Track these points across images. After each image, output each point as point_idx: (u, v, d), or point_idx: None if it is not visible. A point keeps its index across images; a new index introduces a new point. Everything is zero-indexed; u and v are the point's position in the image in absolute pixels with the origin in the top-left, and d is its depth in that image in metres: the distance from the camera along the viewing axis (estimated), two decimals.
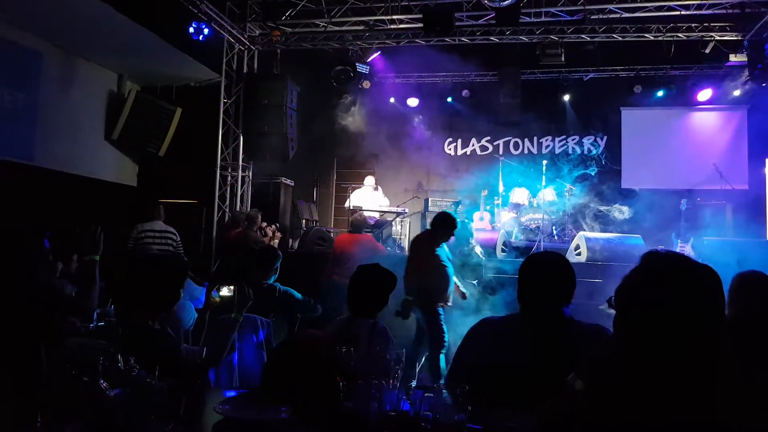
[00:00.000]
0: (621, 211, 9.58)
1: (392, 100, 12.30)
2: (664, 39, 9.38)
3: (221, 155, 9.78)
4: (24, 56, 8.00)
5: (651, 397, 1.34)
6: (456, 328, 5.27)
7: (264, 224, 8.22)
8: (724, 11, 8.58)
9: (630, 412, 1.35)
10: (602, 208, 9.97)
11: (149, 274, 2.47)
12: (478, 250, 7.38)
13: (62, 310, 2.94)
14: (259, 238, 7.90)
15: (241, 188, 10.10)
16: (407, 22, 9.44)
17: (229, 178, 9.97)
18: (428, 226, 10.13)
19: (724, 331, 1.39)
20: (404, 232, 10.34)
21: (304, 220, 10.58)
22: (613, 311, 1.47)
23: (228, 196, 9.89)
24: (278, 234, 8.46)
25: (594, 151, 11.79)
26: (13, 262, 2.88)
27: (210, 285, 5.24)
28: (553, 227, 9.73)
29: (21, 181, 7.72)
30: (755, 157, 10.55)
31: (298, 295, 4.39)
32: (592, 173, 11.03)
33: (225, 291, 3.40)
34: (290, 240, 9.72)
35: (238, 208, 9.77)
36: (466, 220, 8.51)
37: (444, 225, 5.62)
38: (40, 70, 8.31)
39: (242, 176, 10.11)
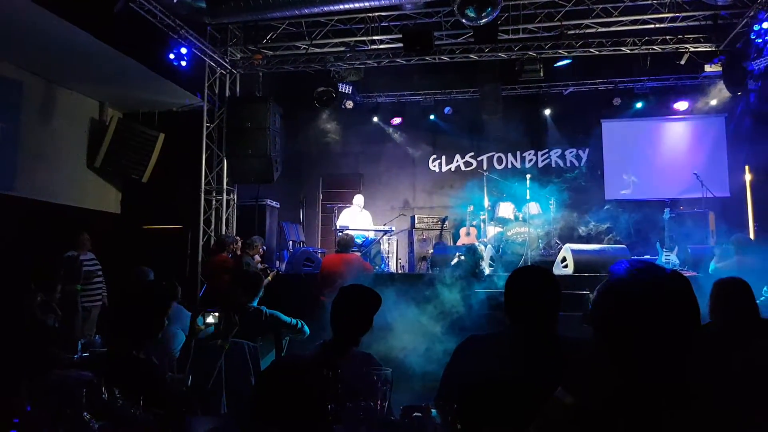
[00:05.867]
0: (605, 222, 9.66)
1: (375, 119, 12.38)
2: (640, 52, 9.51)
3: (205, 179, 9.72)
4: (4, 86, 7.95)
5: (637, 410, 1.34)
6: (443, 343, 5.24)
7: (259, 256, 8.09)
8: (697, 23, 8.75)
9: (618, 425, 1.35)
10: (586, 219, 10.06)
11: (132, 302, 2.44)
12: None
13: (46, 341, 2.89)
14: (253, 263, 7.83)
15: (226, 212, 10.04)
16: (387, 42, 9.53)
17: (214, 202, 9.90)
18: (416, 243, 10.32)
19: (700, 338, 1.40)
20: (392, 250, 10.33)
21: (290, 242, 10.55)
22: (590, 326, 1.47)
23: (213, 220, 9.82)
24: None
25: (576, 164, 11.89)
26: None
27: (197, 310, 5.19)
28: (540, 240, 9.77)
29: (2, 212, 7.62)
30: (735, 164, 10.71)
31: (286, 318, 4.35)
32: (576, 186, 11.12)
33: (210, 318, 3.36)
34: (277, 262, 9.68)
35: (223, 232, 9.71)
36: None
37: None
38: (20, 100, 8.25)
39: (227, 200, 10.06)
